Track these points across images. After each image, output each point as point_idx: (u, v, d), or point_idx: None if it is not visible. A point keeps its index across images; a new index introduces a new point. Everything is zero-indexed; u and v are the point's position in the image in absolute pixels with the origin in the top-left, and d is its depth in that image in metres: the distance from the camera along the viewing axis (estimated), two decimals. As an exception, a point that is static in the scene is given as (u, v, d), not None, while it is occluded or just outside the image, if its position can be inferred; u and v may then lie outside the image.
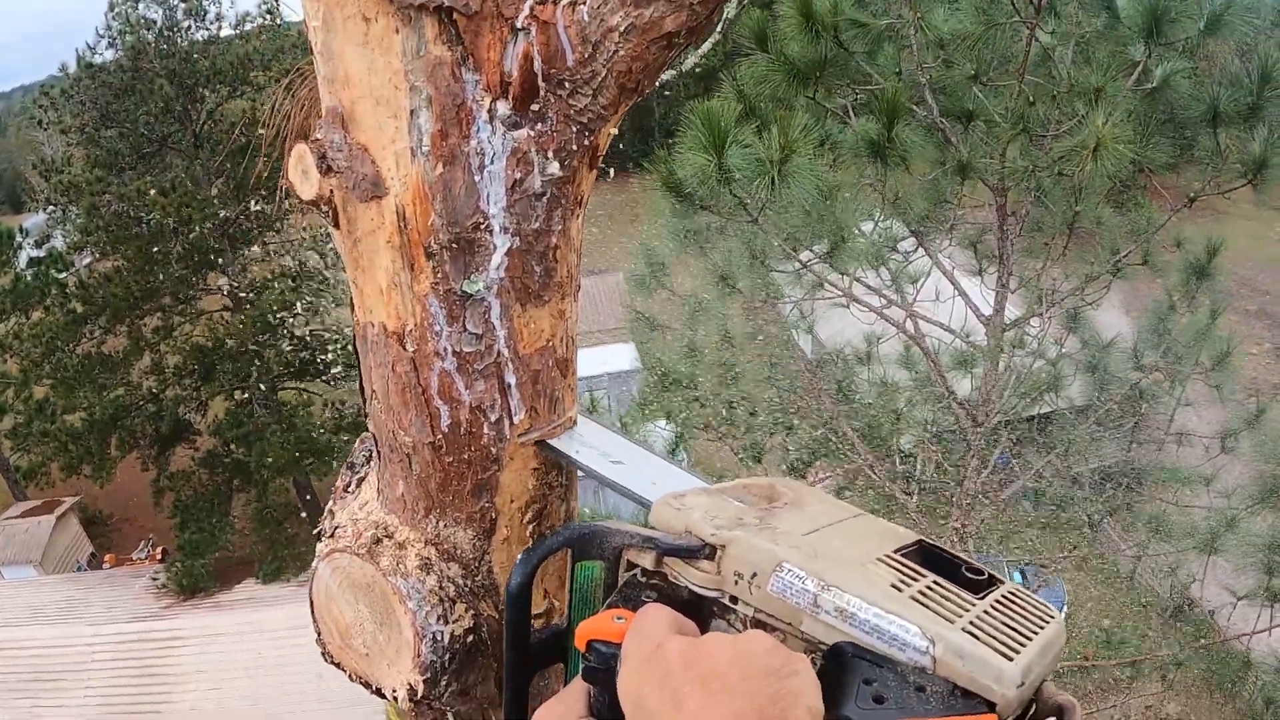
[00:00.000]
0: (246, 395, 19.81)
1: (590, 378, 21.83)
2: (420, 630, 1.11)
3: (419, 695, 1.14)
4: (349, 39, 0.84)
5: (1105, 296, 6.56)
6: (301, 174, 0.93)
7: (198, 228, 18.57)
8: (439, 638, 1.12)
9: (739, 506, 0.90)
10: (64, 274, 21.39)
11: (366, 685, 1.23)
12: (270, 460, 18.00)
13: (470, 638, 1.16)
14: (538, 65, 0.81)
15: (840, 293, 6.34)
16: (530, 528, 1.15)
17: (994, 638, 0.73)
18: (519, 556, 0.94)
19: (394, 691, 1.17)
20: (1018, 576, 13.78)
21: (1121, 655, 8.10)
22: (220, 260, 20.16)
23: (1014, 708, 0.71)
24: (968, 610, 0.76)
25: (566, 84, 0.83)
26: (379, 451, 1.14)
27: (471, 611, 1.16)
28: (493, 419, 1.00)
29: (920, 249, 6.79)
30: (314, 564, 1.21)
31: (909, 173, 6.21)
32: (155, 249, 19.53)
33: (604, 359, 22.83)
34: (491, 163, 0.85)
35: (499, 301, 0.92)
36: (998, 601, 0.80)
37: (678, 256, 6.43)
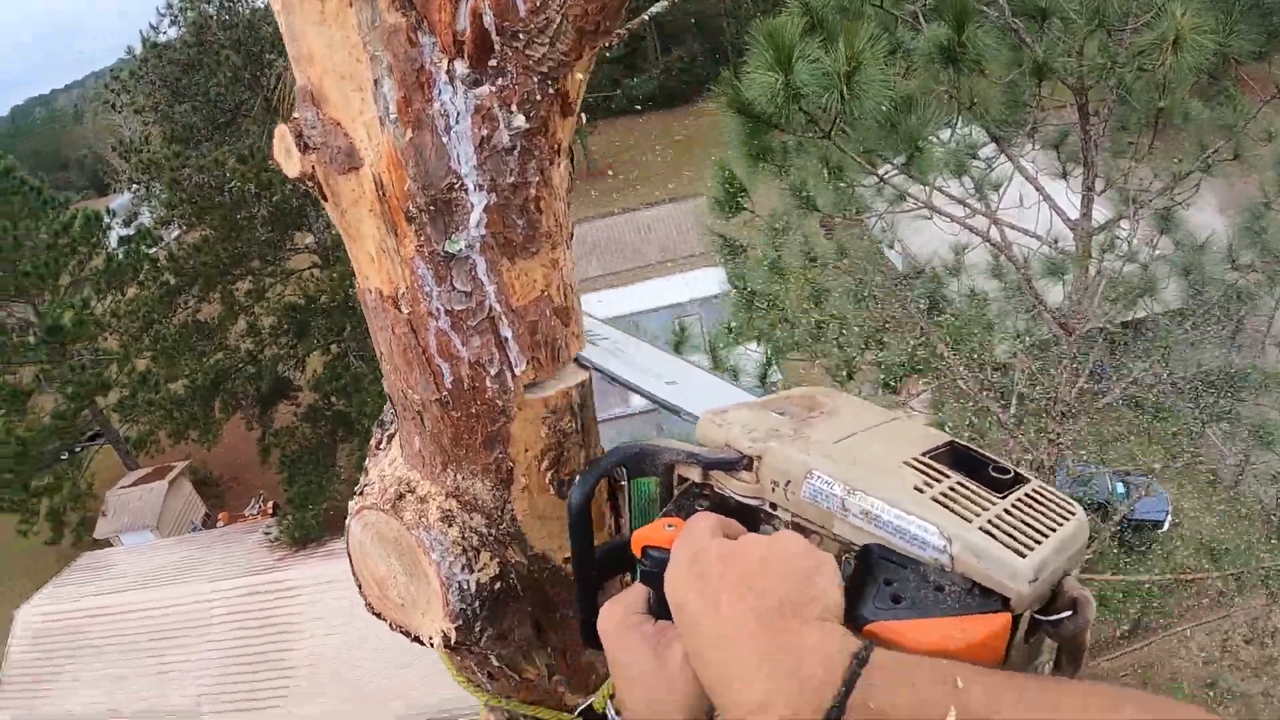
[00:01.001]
0: (342, 348, 20.40)
1: (679, 304, 21.85)
2: (446, 580, 1.14)
3: (453, 641, 1.18)
4: (307, 18, 0.84)
5: (1197, 195, 6.30)
6: (285, 153, 0.95)
7: (279, 190, 19.02)
8: (465, 586, 1.16)
9: (777, 418, 0.93)
10: (154, 249, 22.24)
11: (406, 634, 1.28)
12: (370, 409, 18.52)
13: (498, 584, 1.20)
14: (489, 20, 0.80)
15: (922, 204, 6.22)
16: (549, 474, 1.17)
17: (1011, 535, 0.75)
18: (577, 477, 1.01)
19: (430, 639, 1.22)
20: (1119, 487, 13.43)
21: (1225, 568, 7.89)
22: (305, 219, 20.68)
23: (1029, 602, 0.73)
24: (987, 509, 0.78)
25: (521, 35, 0.82)
26: (396, 410, 1.17)
27: (497, 559, 1.19)
28: (493, 372, 1.02)
29: (1001, 155, 6.60)
30: (347, 521, 1.25)
31: (984, 76, 6.03)
32: (240, 215, 20.10)
33: (691, 284, 22.67)
34: (457, 123, 0.85)
35: (484, 258, 0.93)
36: (1020, 500, 0.81)
37: (755, 177, 6.38)
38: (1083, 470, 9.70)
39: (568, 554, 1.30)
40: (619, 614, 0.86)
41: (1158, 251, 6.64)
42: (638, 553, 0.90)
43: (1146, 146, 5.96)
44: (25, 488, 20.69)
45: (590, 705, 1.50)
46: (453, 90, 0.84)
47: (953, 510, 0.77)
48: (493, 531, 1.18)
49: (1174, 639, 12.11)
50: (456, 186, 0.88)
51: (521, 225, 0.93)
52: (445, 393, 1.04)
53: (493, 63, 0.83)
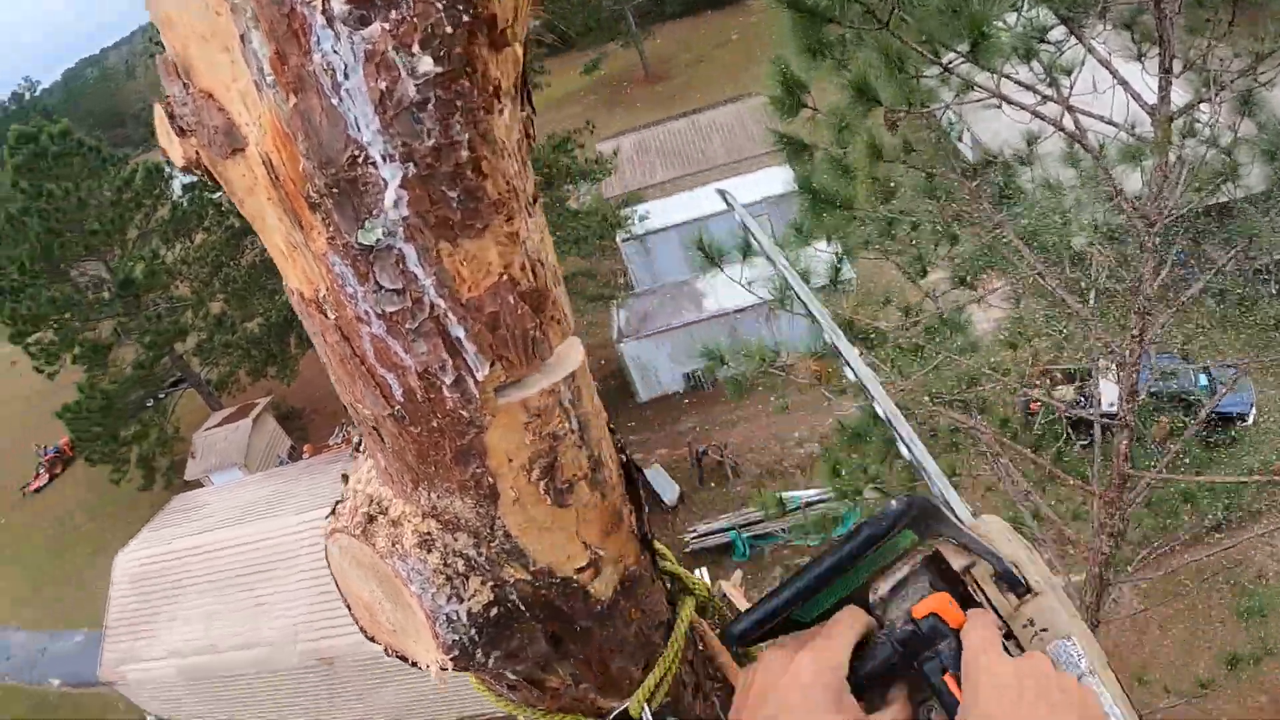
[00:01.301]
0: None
1: (747, 206, 21.35)
2: (431, 613, 0.97)
3: (451, 671, 1.02)
4: None
5: (1280, 74, 5.75)
6: (167, 137, 0.75)
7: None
8: (454, 616, 0.99)
9: (1044, 564, 0.95)
10: (217, 194, 22.54)
11: (403, 659, 1.13)
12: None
13: (494, 610, 1.03)
14: (359, -73, 0.58)
15: (990, 93, 5.87)
16: (543, 484, 0.98)
17: None
18: (855, 528, 0.91)
19: (428, 666, 1.06)
20: (1202, 379, 12.88)
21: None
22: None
23: None
24: None
25: (409, -55, 0.59)
26: (355, 422, 0.98)
27: (490, 583, 1.01)
28: (449, 380, 0.82)
29: (1071, 37, 6.16)
30: (324, 541, 1.09)
31: None
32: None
33: (759, 184, 22.28)
34: (346, 78, 0.64)
35: (412, 245, 0.72)
36: None
37: (813, 74, 6.08)
38: (1165, 364, 9.28)
39: (579, 564, 1.12)
40: (812, 673, 0.82)
41: (1240, 134, 6.18)
42: (919, 614, 0.88)
43: (1226, 24, 5.51)
44: (114, 438, 21.50)
45: (625, 710, 1.35)
46: (334, 35, 0.62)
47: None
48: (483, 552, 1.00)
49: (1260, 539, 11.73)
50: (360, 160, 0.67)
51: (457, 197, 0.72)
52: (397, 406, 0.85)
53: (380, -8, 0.61)
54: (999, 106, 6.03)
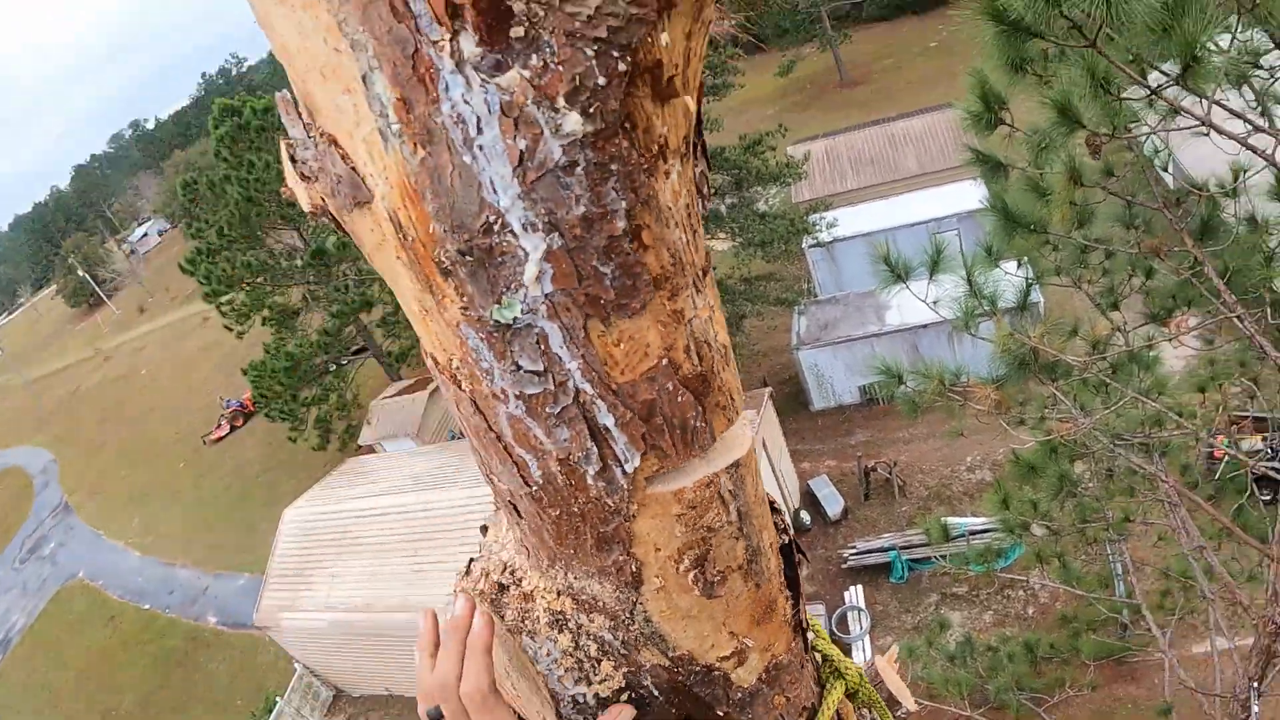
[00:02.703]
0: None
1: (936, 219, 20.80)
2: (555, 693, 0.88)
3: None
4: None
5: None
6: (295, 180, 0.67)
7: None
8: (580, 700, 0.90)
9: None
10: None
11: (524, 725, 1.04)
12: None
13: (624, 697, 0.92)
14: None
15: (1198, 120, 5.37)
16: (692, 575, 0.86)
17: None
18: None
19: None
20: None
21: None
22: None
23: None
24: None
25: (557, -20, 0.48)
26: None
27: (623, 669, 0.91)
28: (593, 470, 0.71)
29: (1289, 63, 5.54)
30: (451, 597, 1.02)
31: None
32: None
33: (949, 198, 21.61)
34: (480, 132, 0.53)
35: (557, 324, 0.62)
36: None
37: (1013, 90, 5.75)
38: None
39: (724, 651, 1.01)
40: None
41: None
42: None
43: None
44: (295, 398, 22.85)
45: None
46: (464, 83, 0.52)
47: None
48: (619, 636, 0.90)
49: None
50: (497, 227, 0.57)
51: (611, 273, 0.61)
52: (535, 488, 0.75)
53: (517, 32, 0.50)
54: (1206, 134, 5.52)
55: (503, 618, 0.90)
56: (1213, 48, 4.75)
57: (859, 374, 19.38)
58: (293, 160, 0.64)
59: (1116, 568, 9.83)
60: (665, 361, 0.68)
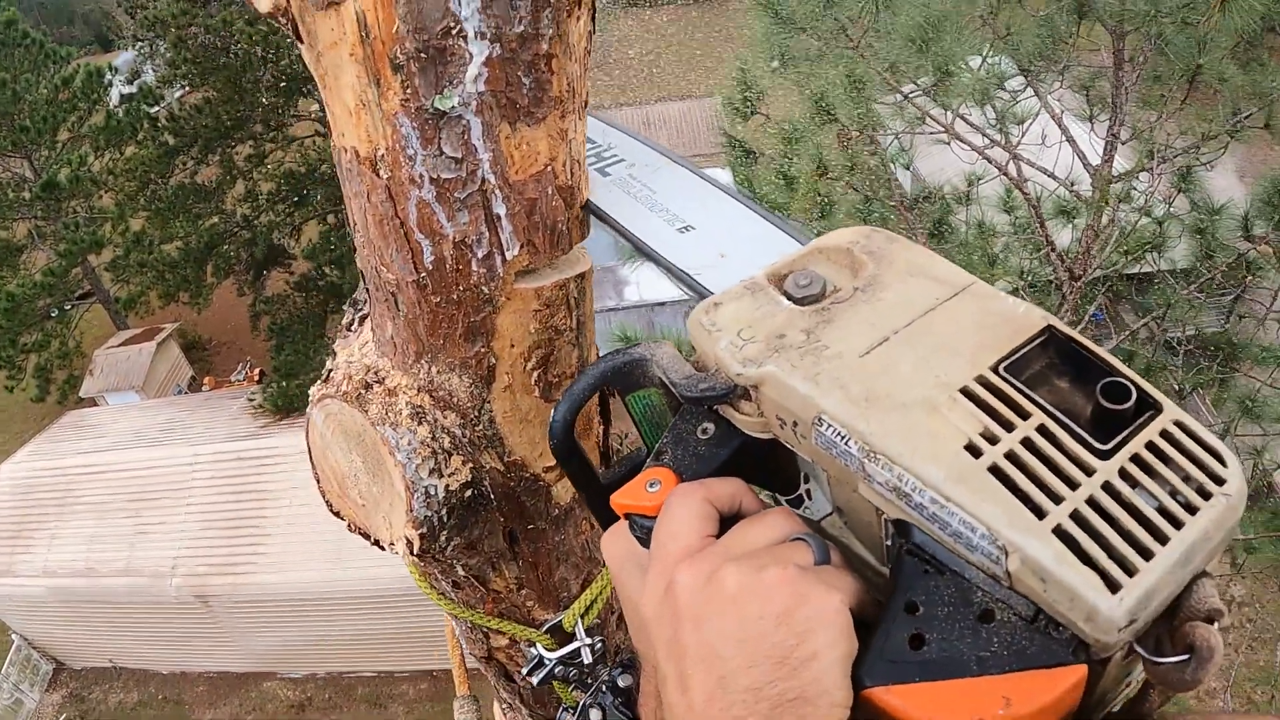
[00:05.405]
0: (339, 218, 20.16)
1: None
2: (411, 484, 1.03)
3: (416, 549, 1.07)
4: None
5: (1221, 158, 6.14)
6: None
7: (287, 55, 18.55)
8: (432, 491, 1.05)
9: (788, 311, 0.66)
10: (155, 108, 21.73)
11: (365, 536, 1.18)
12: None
13: (469, 492, 1.09)
14: None
15: (942, 129, 6.09)
16: (536, 374, 1.04)
17: (1105, 542, 0.50)
18: (560, 399, 0.76)
19: (391, 545, 1.11)
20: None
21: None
22: (310, 86, 20.12)
23: (1120, 646, 0.50)
24: (1077, 487, 0.52)
25: None
26: (368, 290, 1.03)
27: (469, 464, 1.07)
28: (480, 254, 0.88)
29: (1029, 89, 6.43)
30: (308, 408, 1.13)
31: (1022, 7, 5.90)
32: (245, 79, 19.64)
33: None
34: (458, -49, 0.70)
35: (480, 119, 0.79)
36: (1137, 462, 0.53)
37: (774, 82, 6.18)
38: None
39: (549, 462, 1.19)
40: (621, 552, 0.71)
41: (1173, 209, 6.55)
42: (619, 513, 0.69)
43: (1179, 102, 5.81)
44: (14, 344, 20.54)
45: (559, 623, 1.42)
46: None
47: (1019, 490, 0.52)
48: (467, 433, 1.07)
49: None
50: (454, 32, 0.73)
51: (528, 85, 0.78)
52: (424, 273, 0.91)
53: None
54: (948, 143, 6.25)
55: (366, 413, 1.03)
56: (964, 66, 5.42)
57: (601, 346, 20.00)
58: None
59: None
60: (549, 169, 0.86)
